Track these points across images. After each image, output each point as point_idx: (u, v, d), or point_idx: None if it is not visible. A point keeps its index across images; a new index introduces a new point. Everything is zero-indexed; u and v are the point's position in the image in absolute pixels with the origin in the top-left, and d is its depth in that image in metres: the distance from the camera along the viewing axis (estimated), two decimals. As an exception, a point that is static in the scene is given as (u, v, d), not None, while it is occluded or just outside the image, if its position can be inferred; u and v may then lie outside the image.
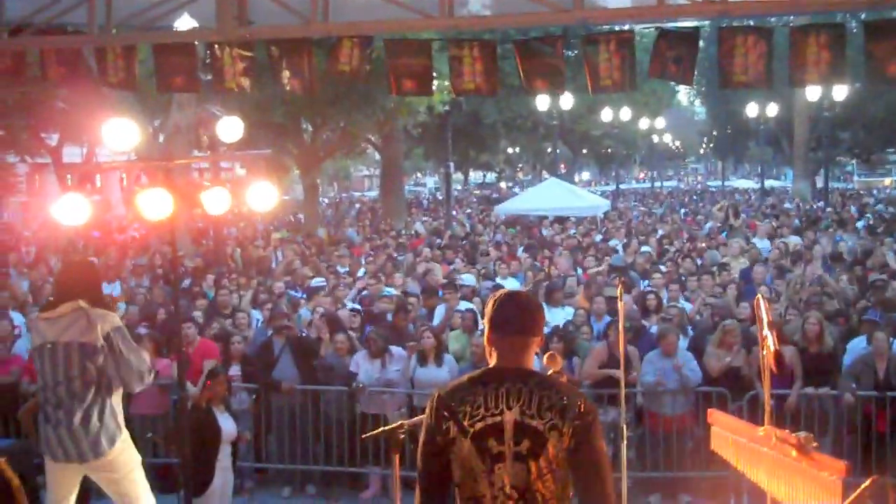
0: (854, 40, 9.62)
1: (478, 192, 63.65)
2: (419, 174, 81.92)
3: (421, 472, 3.81)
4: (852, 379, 9.46)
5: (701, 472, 9.43)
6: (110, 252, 19.81)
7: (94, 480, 6.88)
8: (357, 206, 46.59)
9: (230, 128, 8.37)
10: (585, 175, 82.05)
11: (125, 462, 6.68)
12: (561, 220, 26.71)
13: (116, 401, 6.67)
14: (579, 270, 15.91)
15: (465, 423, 3.67)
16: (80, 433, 6.41)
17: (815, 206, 32.37)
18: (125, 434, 6.70)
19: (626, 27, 9.33)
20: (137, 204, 7.46)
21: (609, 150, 55.77)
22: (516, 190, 54.89)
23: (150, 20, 9.46)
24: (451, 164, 33.60)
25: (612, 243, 20.24)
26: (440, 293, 13.17)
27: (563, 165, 52.68)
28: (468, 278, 14.56)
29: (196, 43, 9.53)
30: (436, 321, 12.00)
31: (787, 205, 33.90)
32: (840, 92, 31.07)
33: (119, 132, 7.67)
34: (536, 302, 4.03)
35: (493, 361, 3.83)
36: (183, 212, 12.73)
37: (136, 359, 6.57)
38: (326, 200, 55.14)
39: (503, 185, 69.32)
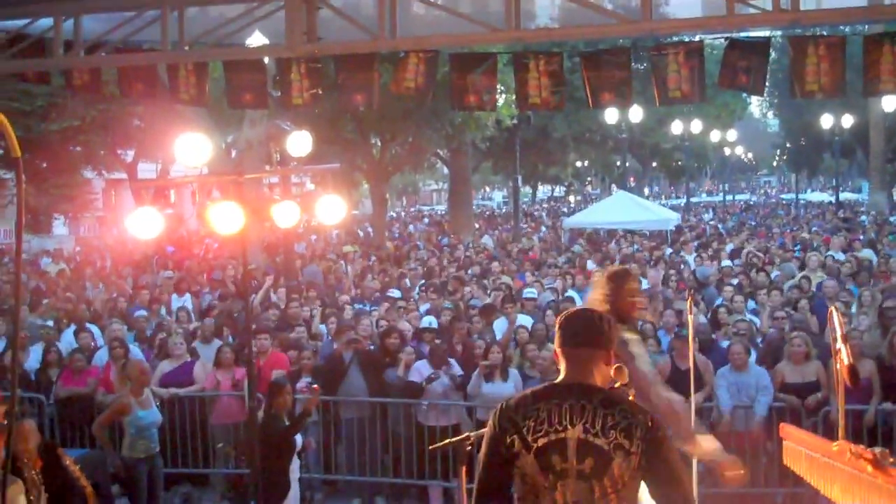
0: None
1: (547, 205, 63.40)
2: (487, 188, 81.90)
3: (480, 480, 3.82)
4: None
5: (774, 489, 9.26)
6: (189, 266, 20.16)
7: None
8: (426, 219, 46.70)
9: (300, 142, 8.46)
10: (655, 188, 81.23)
11: None
12: (630, 234, 26.52)
13: None
14: (646, 284, 15.75)
15: (529, 438, 3.66)
16: None
17: (891, 219, 31.57)
18: None
19: (696, 38, 9.22)
20: (209, 218, 7.58)
21: (679, 163, 55.25)
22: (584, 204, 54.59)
23: (222, 37, 9.65)
24: (520, 178, 33.56)
25: (683, 255, 20.02)
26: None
27: (632, 178, 52.25)
28: (530, 291, 14.49)
29: (267, 60, 9.69)
30: (498, 335, 11.96)
31: (861, 217, 33.16)
32: (918, 102, 30.37)
33: (191, 147, 7.79)
34: (604, 317, 4.02)
35: (561, 375, 3.84)
36: (254, 225, 12.90)
37: None
38: (395, 214, 55.39)
39: (572, 198, 69.05)
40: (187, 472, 10.78)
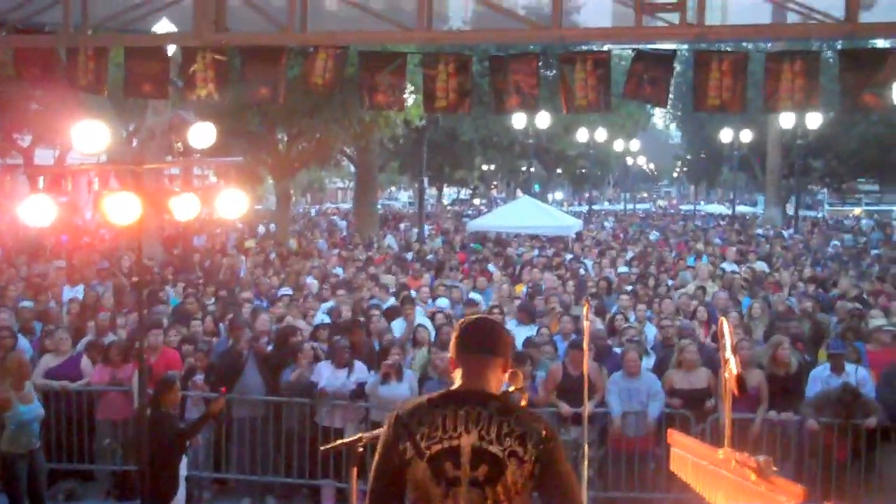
0: (829, 69, 9.71)
1: (452, 207, 63.58)
2: (393, 188, 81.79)
3: (372, 489, 3.76)
4: (815, 409, 9.51)
5: (662, 494, 9.43)
6: (79, 255, 19.60)
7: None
8: (333, 217, 46.28)
9: (202, 134, 8.33)
10: (559, 195, 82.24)
11: None
12: (532, 239, 26.75)
13: None
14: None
15: (422, 445, 3.63)
16: None
17: (787, 235, 32.45)
18: None
19: (605, 48, 9.35)
20: (104, 207, 7.39)
21: (583, 171, 55.97)
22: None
23: (127, 22, 9.40)
24: (426, 179, 33.58)
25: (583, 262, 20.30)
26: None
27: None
28: (442, 301, 14.39)
29: (172, 50, 9.48)
30: (396, 334, 11.95)
31: (758, 231, 34.09)
32: (814, 121, 31.34)
33: (89, 134, 7.61)
34: (501, 325, 4.09)
35: (457, 382, 3.82)
36: (151, 217, 12.62)
37: None
38: (301, 210, 54.84)
39: (477, 201, 69.43)
40: (72, 467, 10.48)
